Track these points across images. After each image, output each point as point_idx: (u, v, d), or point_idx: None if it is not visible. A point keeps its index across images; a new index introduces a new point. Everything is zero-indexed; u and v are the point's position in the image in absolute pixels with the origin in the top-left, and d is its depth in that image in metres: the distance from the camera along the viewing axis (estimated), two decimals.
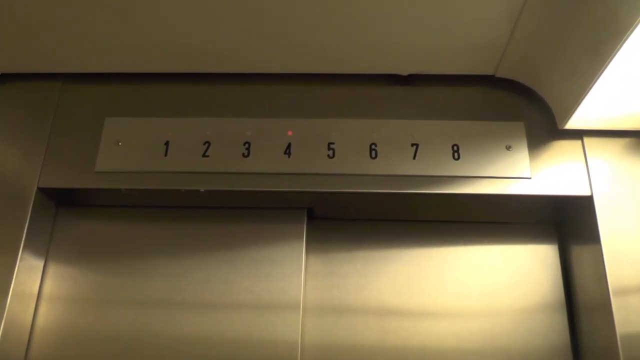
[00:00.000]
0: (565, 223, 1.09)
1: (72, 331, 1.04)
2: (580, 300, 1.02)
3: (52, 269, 1.08)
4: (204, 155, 1.03)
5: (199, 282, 1.06)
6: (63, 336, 1.04)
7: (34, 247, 1.04)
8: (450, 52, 0.99)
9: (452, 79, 1.06)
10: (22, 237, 1.00)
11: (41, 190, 1.04)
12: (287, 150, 1.03)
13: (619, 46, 0.79)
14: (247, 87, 1.09)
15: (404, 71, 1.06)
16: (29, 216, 1.01)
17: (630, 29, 0.75)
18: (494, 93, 1.06)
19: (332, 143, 1.03)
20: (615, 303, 0.91)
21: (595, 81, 0.87)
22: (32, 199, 1.02)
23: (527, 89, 1.05)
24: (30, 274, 1.04)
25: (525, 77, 1.04)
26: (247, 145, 1.03)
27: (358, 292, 1.07)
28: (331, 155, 1.02)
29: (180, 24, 0.94)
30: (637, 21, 0.74)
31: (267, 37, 0.97)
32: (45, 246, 1.08)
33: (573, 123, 0.99)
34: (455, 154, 1.02)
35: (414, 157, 1.01)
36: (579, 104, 0.93)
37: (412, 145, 1.02)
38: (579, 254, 1.03)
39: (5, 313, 0.96)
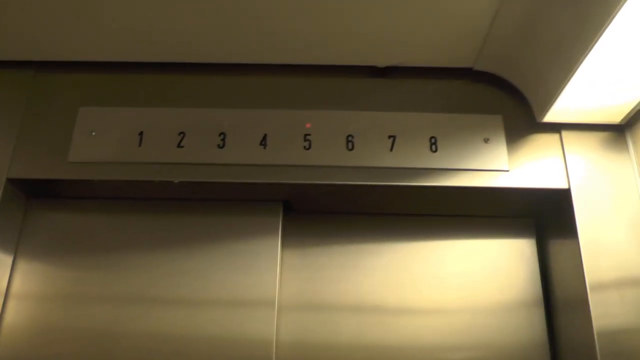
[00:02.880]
0: (543, 217, 1.08)
1: (43, 329, 1.01)
2: (558, 295, 1.02)
3: (22, 264, 1.05)
4: (178, 146, 1.01)
5: (172, 276, 1.04)
6: (33, 334, 1.01)
7: (2, 240, 1.02)
8: (428, 44, 0.99)
9: (430, 71, 1.06)
10: None
11: (10, 181, 1.01)
12: (263, 142, 1.01)
13: (595, 39, 0.79)
14: (222, 77, 1.08)
15: (381, 63, 1.05)
16: None
17: (606, 23, 0.75)
18: (472, 86, 1.06)
19: (309, 134, 1.02)
20: (593, 297, 0.90)
21: (573, 75, 0.87)
22: (1, 190, 0.99)
23: (506, 82, 1.04)
24: None
25: (503, 70, 1.03)
26: (222, 136, 1.02)
27: (335, 286, 1.06)
28: (307, 146, 1.01)
29: (156, 12, 0.93)
30: (613, 15, 0.74)
31: (244, 28, 0.96)
32: (15, 239, 1.06)
33: (551, 116, 0.99)
34: (433, 147, 1.01)
35: (391, 149, 1.01)
36: (557, 97, 0.93)
37: (389, 137, 1.02)
38: (557, 247, 1.03)
39: None
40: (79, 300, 1.03)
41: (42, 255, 1.06)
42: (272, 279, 1.02)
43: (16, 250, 1.06)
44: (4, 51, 1.06)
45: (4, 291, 1.02)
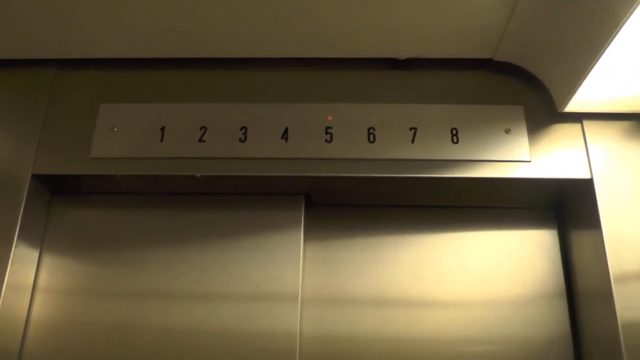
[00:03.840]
0: (565, 207, 1.08)
1: (68, 323, 1.03)
2: (581, 287, 1.01)
3: (47, 259, 1.06)
4: (200, 141, 1.02)
5: (195, 271, 1.05)
6: (59, 328, 1.02)
7: (28, 235, 1.02)
8: (449, 35, 0.98)
9: (450, 62, 1.05)
10: (16, 225, 0.99)
11: (35, 177, 1.02)
12: (285, 135, 1.02)
13: (617, 29, 0.78)
14: (243, 72, 1.08)
15: (402, 55, 1.05)
16: (23, 203, 1.00)
17: (629, 12, 0.74)
18: (492, 76, 1.06)
19: (330, 127, 1.02)
20: (616, 289, 0.89)
21: (594, 64, 0.86)
22: (27, 186, 1.01)
23: (526, 72, 1.04)
24: (25, 264, 1.03)
25: (524, 61, 1.03)
26: (243, 130, 1.02)
27: (357, 279, 1.06)
28: (329, 139, 1.01)
29: (176, 8, 0.93)
30: (635, 4, 0.73)
31: (263, 22, 0.96)
32: (40, 235, 1.07)
33: (572, 106, 0.99)
34: (454, 138, 1.01)
35: (413, 141, 1.01)
36: (578, 87, 0.93)
37: (411, 129, 1.01)
38: (579, 238, 1.02)
39: (0, 304, 0.95)
40: (102, 294, 1.04)
41: (66, 251, 1.07)
42: (295, 272, 1.03)
43: (42, 245, 1.07)
44: (25, 50, 1.07)
45: (31, 285, 1.04)
